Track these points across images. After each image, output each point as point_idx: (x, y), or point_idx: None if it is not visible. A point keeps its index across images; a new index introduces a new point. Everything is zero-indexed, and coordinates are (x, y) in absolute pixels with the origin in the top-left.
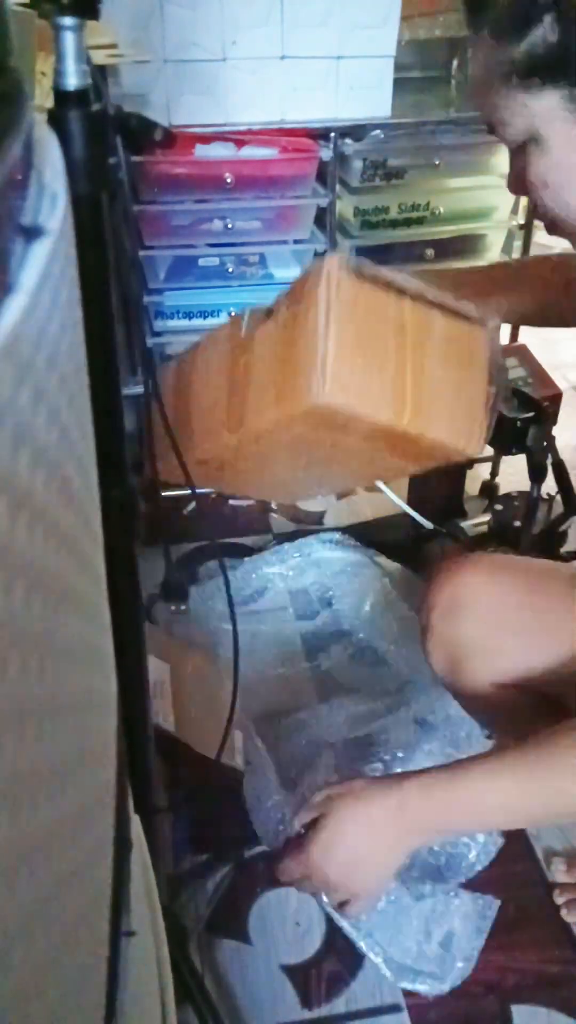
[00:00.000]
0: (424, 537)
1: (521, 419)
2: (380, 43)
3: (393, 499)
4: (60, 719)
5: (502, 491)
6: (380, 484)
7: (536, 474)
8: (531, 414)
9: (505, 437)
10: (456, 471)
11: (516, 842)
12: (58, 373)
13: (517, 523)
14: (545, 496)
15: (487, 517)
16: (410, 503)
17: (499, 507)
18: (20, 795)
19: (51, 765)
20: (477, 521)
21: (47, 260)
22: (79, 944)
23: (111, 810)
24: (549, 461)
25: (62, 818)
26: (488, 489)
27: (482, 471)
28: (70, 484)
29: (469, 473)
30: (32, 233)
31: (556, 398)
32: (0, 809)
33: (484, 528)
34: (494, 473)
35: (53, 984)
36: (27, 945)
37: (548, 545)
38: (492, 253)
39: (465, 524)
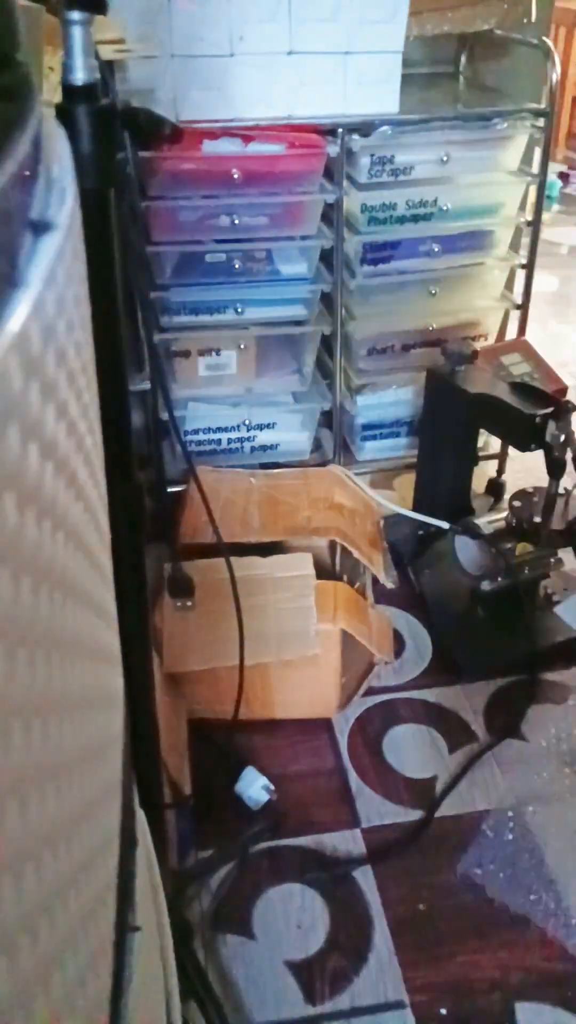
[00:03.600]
0: (431, 536)
1: (539, 415)
2: (388, 39)
3: (401, 511)
4: (67, 713)
5: (507, 488)
6: (384, 502)
7: (555, 469)
8: (549, 409)
9: (523, 434)
10: (463, 470)
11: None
12: (66, 369)
13: (537, 519)
14: (562, 491)
15: (502, 514)
16: (417, 503)
17: (517, 503)
18: (28, 789)
19: (58, 760)
20: (493, 518)
21: (55, 255)
22: (85, 939)
23: (117, 805)
24: (569, 456)
25: (69, 813)
26: (495, 486)
27: (488, 468)
28: (78, 479)
29: (475, 471)
30: (41, 227)
31: (562, 392)
32: (8, 803)
33: (501, 524)
34: (500, 470)
35: (59, 979)
36: (33, 939)
37: (568, 540)
38: (500, 249)
39: (481, 521)
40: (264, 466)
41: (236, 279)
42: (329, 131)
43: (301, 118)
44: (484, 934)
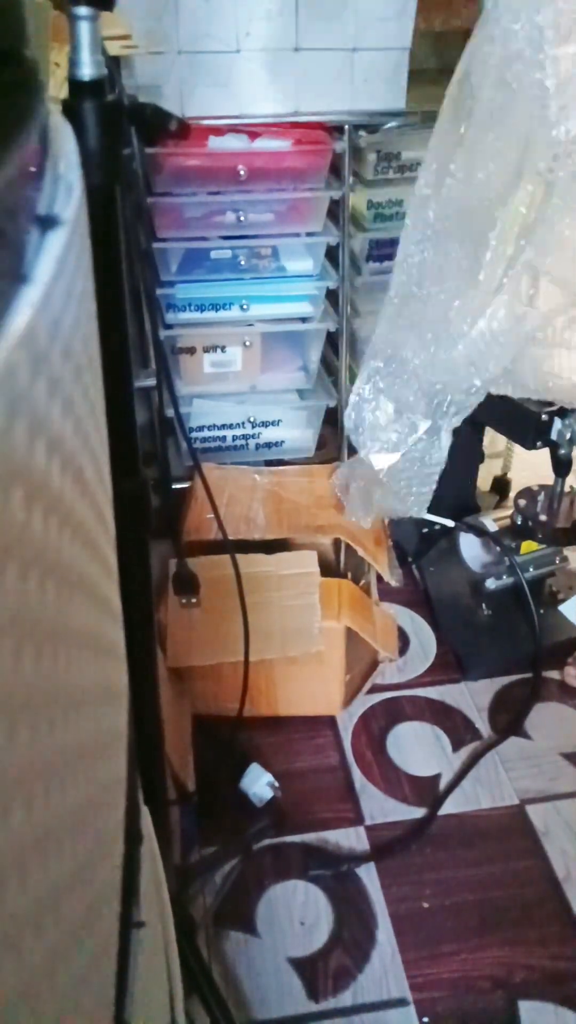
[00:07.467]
0: (436, 533)
1: (545, 412)
2: (396, 35)
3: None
4: (72, 709)
5: (512, 486)
6: None
7: (561, 467)
8: (555, 407)
9: (529, 431)
10: (469, 467)
11: (524, 838)
12: (73, 364)
13: (542, 517)
14: (568, 489)
15: (507, 512)
16: None
17: (523, 501)
18: (33, 785)
19: (63, 755)
20: (498, 516)
21: (62, 250)
22: (90, 934)
23: (122, 801)
24: (575, 454)
25: (73, 809)
26: (500, 484)
27: (494, 466)
28: (84, 475)
29: (480, 468)
30: (47, 223)
31: None
32: (13, 799)
33: (506, 522)
34: (506, 468)
35: (64, 974)
36: (38, 935)
37: (573, 538)
38: None
39: (486, 519)
40: (269, 463)
41: (241, 276)
42: (335, 127)
43: (307, 114)
44: (487, 932)
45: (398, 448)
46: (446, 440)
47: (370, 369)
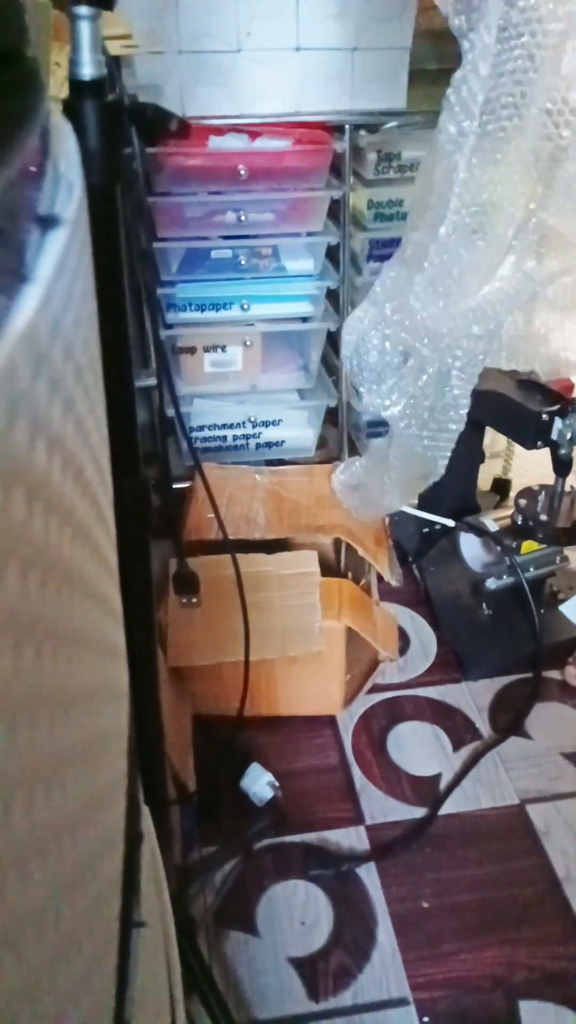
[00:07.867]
0: (437, 533)
1: (546, 412)
2: (396, 35)
3: (406, 509)
4: (73, 708)
5: (512, 486)
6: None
7: (561, 467)
8: (556, 407)
9: (529, 431)
10: (469, 467)
11: (524, 838)
12: (73, 364)
13: (542, 517)
14: (568, 489)
15: (507, 511)
16: (422, 501)
17: (523, 501)
18: (33, 784)
19: (63, 754)
20: (498, 515)
21: (63, 250)
22: (90, 934)
23: (122, 801)
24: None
25: (74, 808)
26: (500, 484)
27: (494, 466)
28: (84, 475)
29: (481, 468)
30: (48, 222)
31: (568, 390)
32: (13, 799)
33: (506, 522)
34: (506, 468)
35: (64, 974)
36: (39, 935)
37: (573, 538)
38: None
39: (486, 519)
40: (269, 463)
41: (242, 275)
42: (336, 127)
43: (308, 114)
44: (487, 932)
45: (406, 392)
46: (460, 390)
47: (373, 314)
